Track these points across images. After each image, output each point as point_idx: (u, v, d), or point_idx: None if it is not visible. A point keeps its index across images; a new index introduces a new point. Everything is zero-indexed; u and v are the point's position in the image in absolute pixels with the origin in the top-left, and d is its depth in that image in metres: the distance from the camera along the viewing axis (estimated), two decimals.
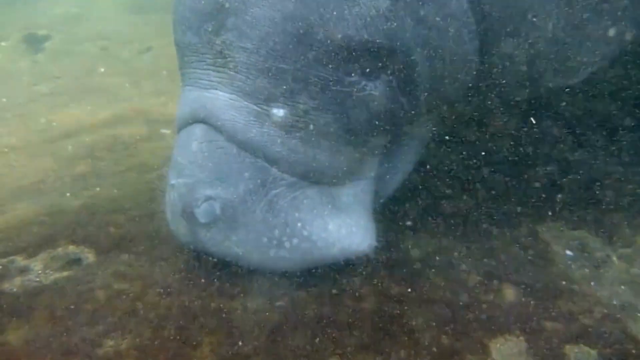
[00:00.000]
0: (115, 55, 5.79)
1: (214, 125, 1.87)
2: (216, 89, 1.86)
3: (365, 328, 1.85)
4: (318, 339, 1.80)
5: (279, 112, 1.81)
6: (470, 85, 2.13)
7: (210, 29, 1.82)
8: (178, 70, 2.11)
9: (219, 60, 1.84)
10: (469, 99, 2.25)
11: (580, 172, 2.47)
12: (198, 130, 1.90)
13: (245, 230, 1.88)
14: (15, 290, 1.95)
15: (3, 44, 5.33)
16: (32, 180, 3.33)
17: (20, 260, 2.15)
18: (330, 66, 1.76)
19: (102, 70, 5.46)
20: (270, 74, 1.77)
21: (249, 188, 1.86)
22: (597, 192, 2.43)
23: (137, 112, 4.50)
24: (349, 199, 2.05)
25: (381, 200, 2.28)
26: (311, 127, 1.86)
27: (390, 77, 1.84)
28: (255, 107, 1.82)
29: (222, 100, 1.85)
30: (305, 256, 1.93)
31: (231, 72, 1.82)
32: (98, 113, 4.48)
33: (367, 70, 1.80)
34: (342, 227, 1.97)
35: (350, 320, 1.88)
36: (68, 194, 2.99)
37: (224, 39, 1.80)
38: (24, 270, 2.07)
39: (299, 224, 1.91)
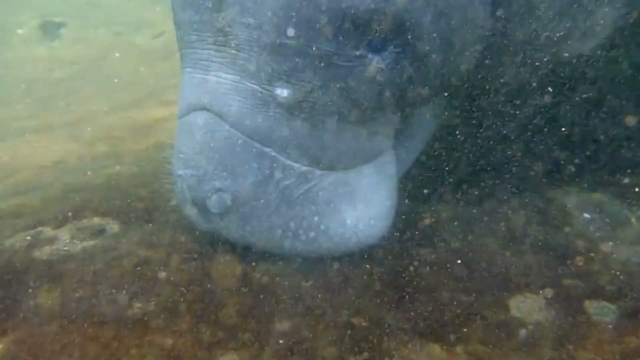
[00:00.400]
0: (130, 40, 5.84)
1: (217, 113, 1.80)
2: (218, 71, 1.79)
3: (385, 289, 1.88)
4: (339, 299, 1.84)
5: (283, 93, 1.75)
6: (483, 53, 2.10)
7: (210, 5, 1.74)
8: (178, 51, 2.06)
9: (220, 38, 1.76)
10: (482, 67, 2.23)
11: (597, 135, 2.46)
12: (201, 119, 1.83)
13: (258, 222, 1.87)
14: (45, 258, 2.02)
15: (20, 31, 5.41)
16: (54, 161, 3.41)
17: (48, 232, 2.22)
18: (335, 40, 1.68)
19: (117, 55, 5.52)
20: (273, 51, 1.70)
21: (258, 179, 1.82)
22: (614, 155, 2.42)
23: (152, 94, 4.56)
24: (365, 183, 1.98)
25: (396, 177, 2.26)
26: (318, 107, 1.78)
27: (399, 49, 1.77)
28: (259, 89, 1.75)
29: (224, 84, 1.78)
30: (321, 249, 1.92)
31: (233, 51, 1.75)
32: (115, 96, 4.55)
33: (374, 42, 1.72)
34: (360, 221, 1.93)
35: (370, 281, 1.91)
36: (89, 173, 3.05)
37: (224, 15, 1.72)
38: (52, 240, 2.14)
39: (316, 218, 1.87)
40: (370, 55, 1.76)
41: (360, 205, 1.96)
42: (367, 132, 1.93)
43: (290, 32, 1.68)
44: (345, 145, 1.90)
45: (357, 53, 1.74)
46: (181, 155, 1.91)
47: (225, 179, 1.83)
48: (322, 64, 1.73)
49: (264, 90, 1.76)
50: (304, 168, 1.86)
